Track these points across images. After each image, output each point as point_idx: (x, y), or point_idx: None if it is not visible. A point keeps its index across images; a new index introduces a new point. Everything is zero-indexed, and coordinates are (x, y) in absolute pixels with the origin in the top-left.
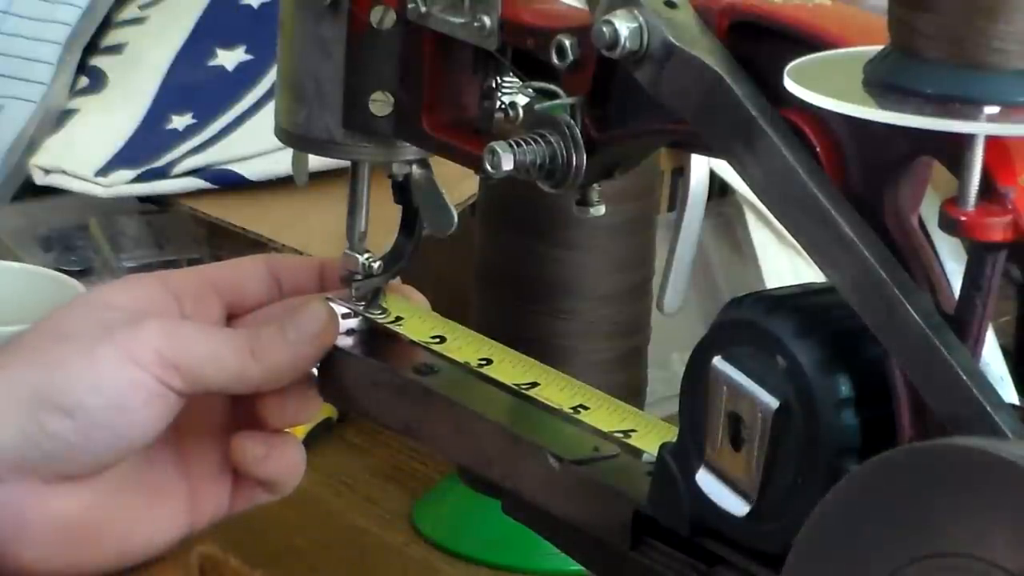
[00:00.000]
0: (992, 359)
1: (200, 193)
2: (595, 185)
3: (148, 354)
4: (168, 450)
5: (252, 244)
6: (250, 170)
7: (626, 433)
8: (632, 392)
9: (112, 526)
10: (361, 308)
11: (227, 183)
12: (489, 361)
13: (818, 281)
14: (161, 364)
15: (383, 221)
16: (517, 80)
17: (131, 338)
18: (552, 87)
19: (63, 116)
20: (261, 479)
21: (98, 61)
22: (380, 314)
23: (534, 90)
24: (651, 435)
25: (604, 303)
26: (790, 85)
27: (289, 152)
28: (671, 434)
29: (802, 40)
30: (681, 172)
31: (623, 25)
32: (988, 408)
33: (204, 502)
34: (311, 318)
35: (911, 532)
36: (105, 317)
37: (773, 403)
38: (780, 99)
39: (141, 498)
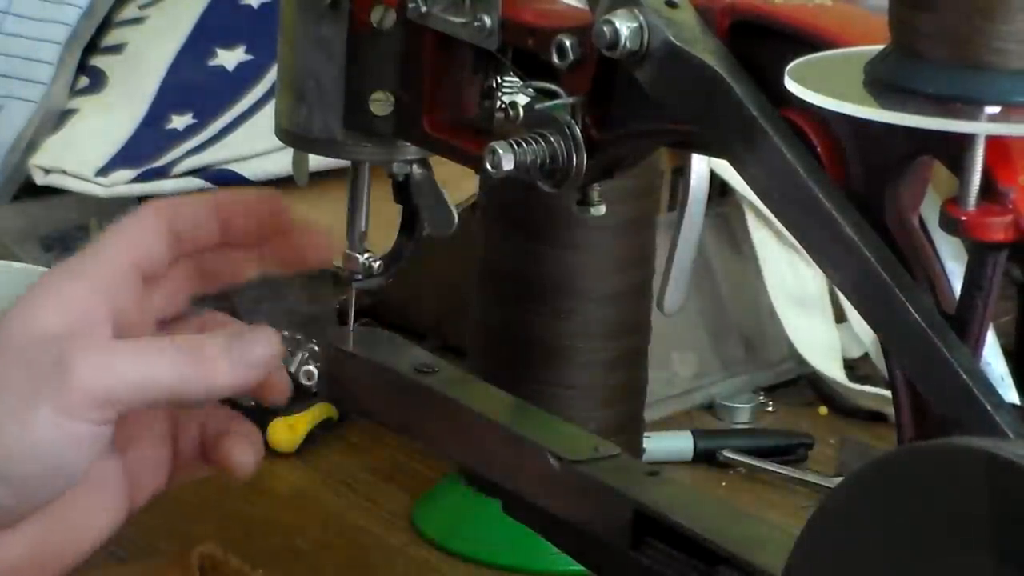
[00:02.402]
0: (992, 359)
1: (200, 193)
2: (595, 185)
3: (81, 402)
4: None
5: None
6: (250, 170)
7: None
8: (632, 392)
9: (54, 536)
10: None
11: (227, 183)
12: None
13: None
14: (96, 406)
15: (383, 221)
16: (517, 80)
17: (61, 391)
18: (552, 87)
19: (63, 116)
20: (218, 459)
21: (98, 61)
22: None
23: (534, 90)
24: None
25: (604, 303)
26: (791, 85)
27: (289, 152)
28: None
29: (803, 40)
30: (681, 172)
31: (624, 25)
32: (988, 408)
33: (142, 481)
34: (263, 343)
35: (911, 532)
36: (34, 366)
37: None
38: (781, 99)
39: (79, 499)
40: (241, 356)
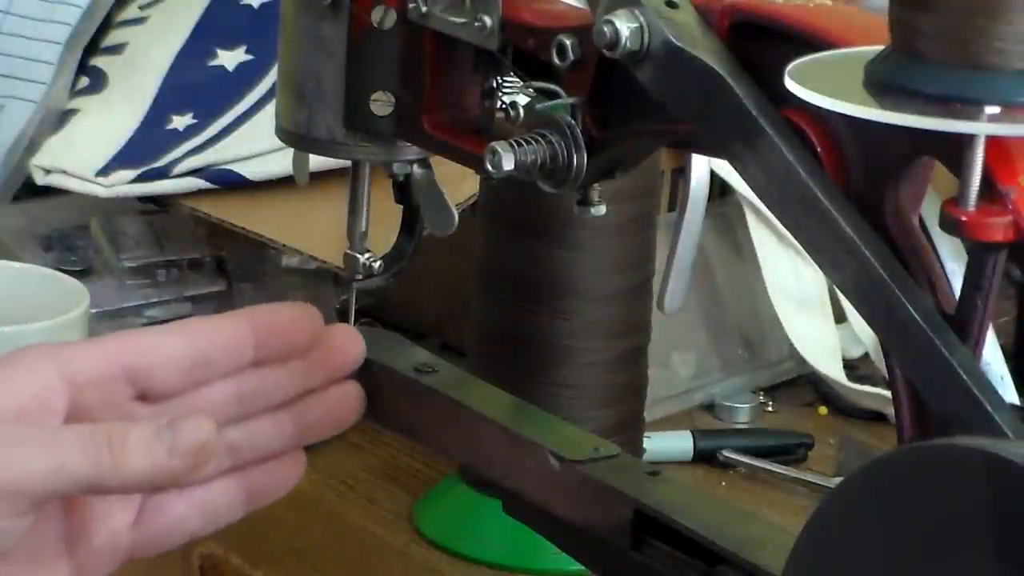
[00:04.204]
0: (992, 359)
1: (200, 193)
2: (595, 185)
3: None
4: (47, 518)
5: (252, 244)
6: (250, 170)
7: None
8: (632, 392)
9: None
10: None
11: (227, 183)
12: None
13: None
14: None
15: (383, 221)
16: (518, 80)
17: None
18: (553, 87)
19: (63, 116)
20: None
21: (98, 61)
22: None
23: (535, 90)
24: None
25: (604, 303)
26: (791, 85)
27: (289, 152)
28: None
29: (803, 40)
30: (681, 172)
31: (624, 25)
32: (988, 408)
33: (91, 562)
34: (194, 429)
35: (911, 532)
36: None
37: None
38: (781, 99)
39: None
40: (166, 445)
